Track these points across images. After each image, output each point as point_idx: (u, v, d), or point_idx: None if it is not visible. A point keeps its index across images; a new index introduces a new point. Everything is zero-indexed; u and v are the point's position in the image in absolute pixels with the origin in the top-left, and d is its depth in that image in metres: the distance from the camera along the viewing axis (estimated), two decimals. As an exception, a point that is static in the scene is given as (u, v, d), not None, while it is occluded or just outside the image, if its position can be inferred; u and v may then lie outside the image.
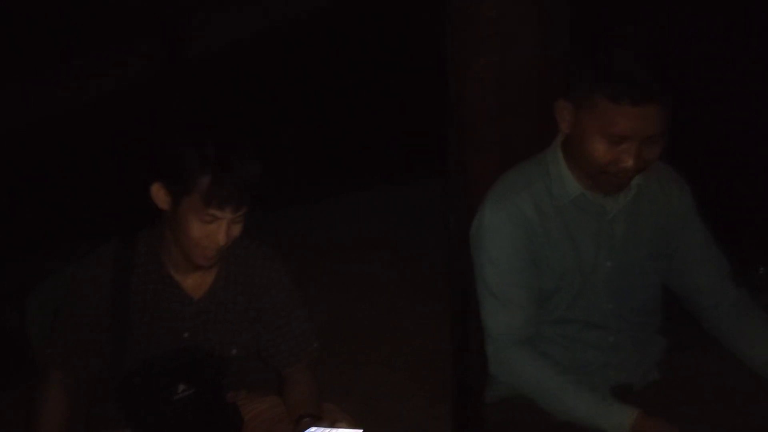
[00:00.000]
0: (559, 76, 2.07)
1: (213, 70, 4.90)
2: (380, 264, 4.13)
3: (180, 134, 1.83)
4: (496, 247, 1.84)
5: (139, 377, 1.89)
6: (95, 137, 4.43)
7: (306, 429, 1.81)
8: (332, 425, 1.75)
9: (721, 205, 3.37)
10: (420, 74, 3.39)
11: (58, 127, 4.33)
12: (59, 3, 4.29)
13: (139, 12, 4.47)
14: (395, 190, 4.84)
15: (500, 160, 2.04)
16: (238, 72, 4.99)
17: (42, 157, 4.31)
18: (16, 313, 2.68)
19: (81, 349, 1.91)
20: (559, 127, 1.81)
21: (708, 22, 4.12)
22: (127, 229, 1.99)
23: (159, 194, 1.80)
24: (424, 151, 3.63)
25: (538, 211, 1.82)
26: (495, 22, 2.19)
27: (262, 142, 1.87)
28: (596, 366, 1.88)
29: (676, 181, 1.93)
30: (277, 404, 2.03)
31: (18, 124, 4.26)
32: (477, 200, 1.95)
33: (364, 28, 5.16)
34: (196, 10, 4.88)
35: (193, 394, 1.90)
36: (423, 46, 3.06)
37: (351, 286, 3.87)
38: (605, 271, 1.85)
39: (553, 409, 1.80)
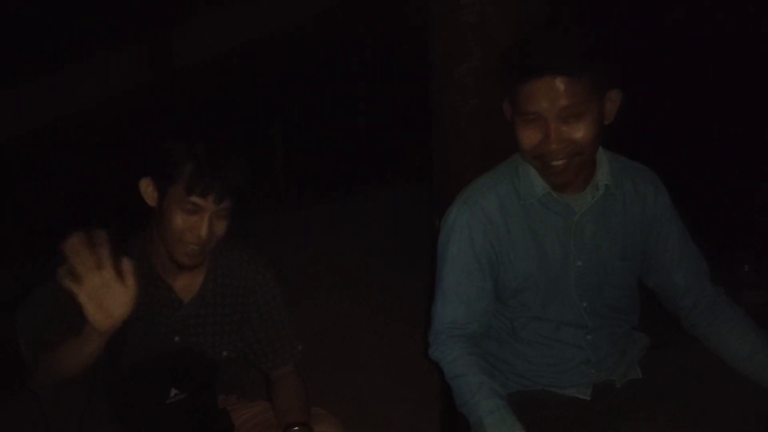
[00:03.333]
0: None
1: (205, 76, 4.92)
2: (372, 268, 4.16)
3: (171, 132, 1.86)
4: (455, 245, 1.87)
5: (132, 381, 1.91)
6: (87, 143, 4.45)
7: None
8: None
9: (706, 204, 3.42)
10: (409, 80, 3.42)
11: (48, 133, 4.35)
12: (53, 10, 4.31)
13: (132, 18, 4.48)
14: (386, 195, 4.88)
15: (482, 162, 2.06)
16: (229, 80, 5.00)
17: (36, 163, 4.33)
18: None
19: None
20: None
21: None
22: (118, 234, 2.01)
23: (147, 189, 1.82)
24: (412, 155, 3.67)
25: (503, 211, 1.85)
26: (475, 27, 2.23)
27: (252, 147, 1.91)
28: (576, 363, 1.90)
29: (651, 182, 1.94)
30: (267, 409, 2.04)
31: (12, 131, 4.27)
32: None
33: (353, 37, 5.19)
34: (189, 17, 4.90)
35: (185, 398, 1.92)
36: (411, 53, 3.10)
37: (343, 291, 3.88)
38: (576, 270, 1.86)
39: (462, 402, 1.80)
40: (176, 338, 1.95)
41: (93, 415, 1.97)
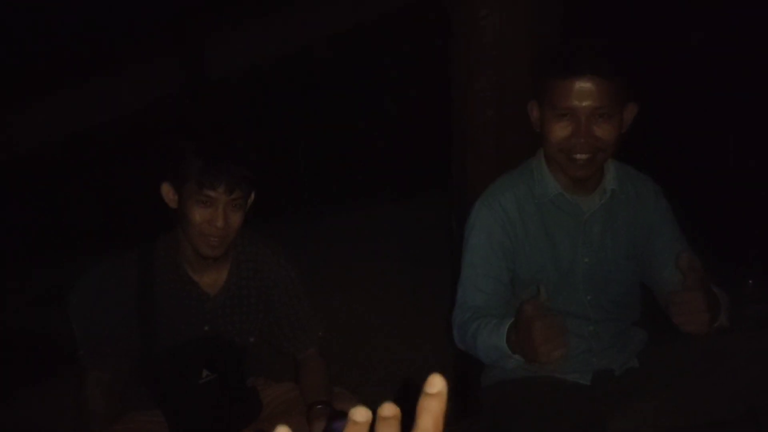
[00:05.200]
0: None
1: (234, 88, 5.07)
2: (389, 274, 4.27)
3: (182, 136, 2.04)
4: (476, 239, 2.04)
5: (166, 365, 2.05)
6: (117, 152, 4.62)
7: (317, 418, 1.99)
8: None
9: (713, 219, 3.53)
10: (429, 96, 3.54)
11: (85, 140, 4.52)
12: (88, 22, 4.49)
13: (165, 31, 4.64)
14: (403, 205, 4.99)
15: (498, 168, 2.22)
16: (257, 92, 5.16)
17: (74, 168, 4.50)
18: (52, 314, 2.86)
19: (113, 348, 2.04)
20: (534, 127, 2.00)
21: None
22: (146, 237, 2.17)
23: (168, 193, 2.00)
24: (430, 169, 3.81)
25: (520, 209, 2.01)
26: (492, 46, 2.40)
27: (276, 158, 2.07)
28: (579, 352, 2.04)
29: (653, 190, 2.10)
30: (293, 389, 2.19)
31: (46, 139, 4.44)
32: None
33: (375, 51, 5.32)
34: (220, 30, 5.05)
35: (216, 379, 2.06)
36: (429, 67, 3.24)
37: (360, 295, 3.95)
38: (583, 266, 2.02)
39: (482, 346, 1.92)
40: (206, 327, 2.10)
41: (132, 397, 2.13)
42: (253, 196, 2.02)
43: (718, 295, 1.83)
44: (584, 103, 1.85)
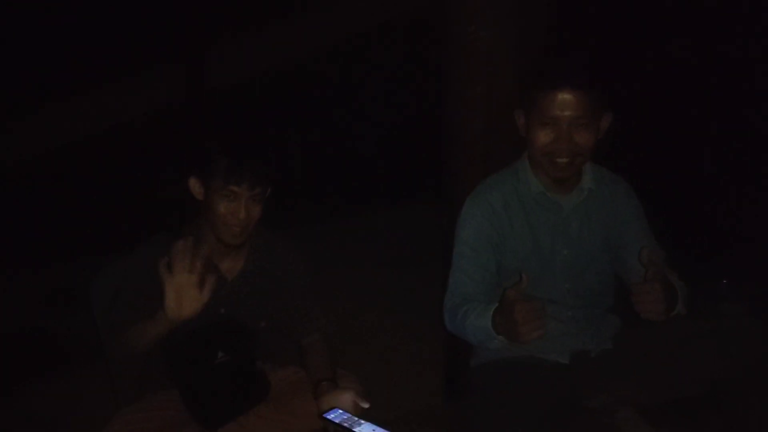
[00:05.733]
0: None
1: (233, 96, 5.24)
2: (383, 278, 4.43)
3: (208, 137, 2.25)
4: (466, 232, 2.26)
5: (185, 346, 2.21)
6: (122, 157, 4.79)
7: (324, 393, 2.17)
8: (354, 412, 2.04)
9: (687, 219, 3.72)
10: (422, 110, 3.72)
11: (99, 146, 4.70)
12: (95, 34, 4.67)
13: (169, 41, 4.83)
14: (397, 213, 5.14)
15: (486, 172, 2.43)
16: (256, 100, 5.33)
17: (77, 173, 4.66)
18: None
19: (138, 319, 2.18)
20: (520, 132, 2.22)
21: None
22: (172, 225, 2.37)
23: (195, 186, 2.21)
24: (422, 178, 3.99)
25: (506, 205, 2.23)
26: (483, 59, 2.61)
27: (274, 156, 2.29)
28: (558, 334, 2.24)
29: (624, 189, 2.32)
30: (298, 371, 2.37)
31: (65, 141, 4.61)
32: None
33: (371, 64, 5.50)
34: (220, 41, 5.21)
35: (230, 360, 2.23)
36: (422, 80, 3.43)
37: (357, 298, 4.11)
38: (562, 258, 2.24)
39: (470, 328, 2.13)
40: (222, 310, 2.28)
41: (151, 377, 2.29)
42: (270, 191, 2.23)
43: (675, 286, 2.05)
44: (565, 113, 2.07)
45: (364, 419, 2.00)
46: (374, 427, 1.95)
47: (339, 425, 2.02)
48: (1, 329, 3.52)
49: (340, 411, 2.05)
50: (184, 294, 2.01)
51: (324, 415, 2.06)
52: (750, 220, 3.90)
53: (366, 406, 2.10)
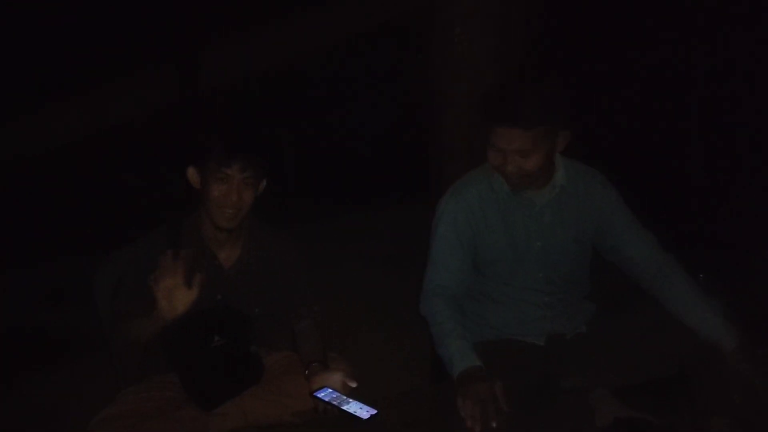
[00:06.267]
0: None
1: (228, 95, 5.33)
2: (371, 274, 4.54)
3: (204, 127, 2.43)
4: (443, 226, 2.39)
5: (182, 330, 2.29)
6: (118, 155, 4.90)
7: (314, 374, 2.28)
8: (343, 392, 2.18)
9: (664, 213, 3.82)
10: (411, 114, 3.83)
11: (98, 145, 4.80)
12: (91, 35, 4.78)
13: (163, 41, 4.93)
14: (384, 213, 5.23)
15: (468, 167, 2.55)
16: (249, 100, 5.43)
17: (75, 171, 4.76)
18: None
19: (140, 306, 2.29)
20: None
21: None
22: (172, 217, 2.49)
23: (193, 175, 2.35)
24: (409, 179, 4.10)
25: (481, 201, 2.36)
26: (465, 59, 2.75)
27: (267, 144, 2.43)
28: (534, 318, 2.39)
29: (600, 182, 2.43)
30: (291, 356, 2.49)
31: (65, 140, 4.70)
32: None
33: (365, 64, 5.61)
34: (214, 42, 5.31)
35: (226, 344, 2.34)
36: (410, 79, 3.54)
37: (346, 293, 4.21)
38: (536, 249, 2.37)
39: (439, 344, 2.28)
40: (219, 296, 2.40)
41: (150, 361, 2.40)
42: (264, 182, 2.36)
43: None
44: (508, 146, 2.20)
45: (352, 398, 2.14)
46: (361, 404, 2.09)
47: (328, 403, 2.15)
48: (3, 325, 3.60)
49: (330, 390, 2.19)
50: (173, 295, 2.16)
51: (314, 394, 2.20)
52: (728, 215, 4.00)
53: (354, 385, 2.21)
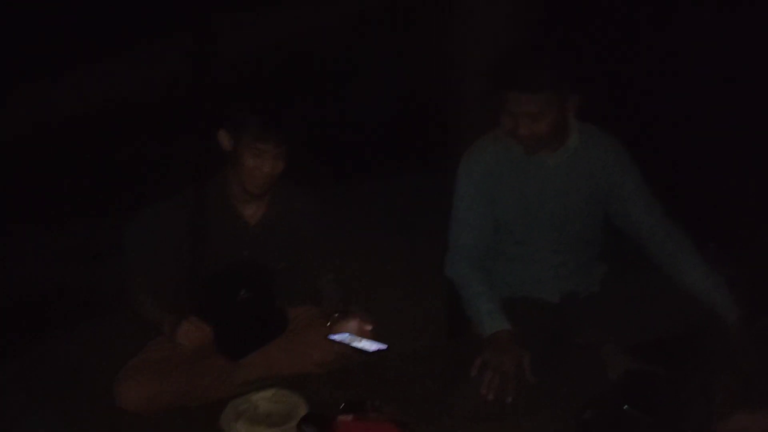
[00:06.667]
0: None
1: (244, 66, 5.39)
2: (384, 243, 4.61)
3: (242, 98, 2.48)
4: (463, 186, 2.46)
5: (210, 284, 2.43)
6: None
7: (334, 323, 2.38)
8: (359, 335, 2.30)
9: (678, 188, 3.87)
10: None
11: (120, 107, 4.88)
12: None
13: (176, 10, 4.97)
14: (398, 182, 5.29)
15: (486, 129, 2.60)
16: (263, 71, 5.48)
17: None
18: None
19: (163, 272, 2.45)
20: None
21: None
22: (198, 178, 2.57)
23: (224, 138, 2.41)
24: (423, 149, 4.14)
25: (498, 161, 2.43)
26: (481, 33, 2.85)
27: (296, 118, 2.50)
28: (548, 277, 2.48)
29: (612, 147, 2.49)
30: (311, 309, 2.60)
31: (88, 107, 4.79)
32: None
33: (371, 35, 5.65)
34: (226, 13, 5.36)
35: (251, 298, 2.45)
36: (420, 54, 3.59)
37: (360, 262, 4.30)
38: (548, 209, 2.44)
39: (468, 306, 2.38)
40: (245, 252, 2.50)
41: (180, 312, 2.43)
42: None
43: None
44: (520, 110, 2.26)
45: (364, 338, 2.26)
46: (371, 342, 2.20)
47: (340, 342, 2.28)
48: (27, 283, 3.67)
49: (347, 334, 2.30)
50: (189, 333, 2.36)
51: (329, 336, 2.31)
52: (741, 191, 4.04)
53: (369, 327, 2.32)
